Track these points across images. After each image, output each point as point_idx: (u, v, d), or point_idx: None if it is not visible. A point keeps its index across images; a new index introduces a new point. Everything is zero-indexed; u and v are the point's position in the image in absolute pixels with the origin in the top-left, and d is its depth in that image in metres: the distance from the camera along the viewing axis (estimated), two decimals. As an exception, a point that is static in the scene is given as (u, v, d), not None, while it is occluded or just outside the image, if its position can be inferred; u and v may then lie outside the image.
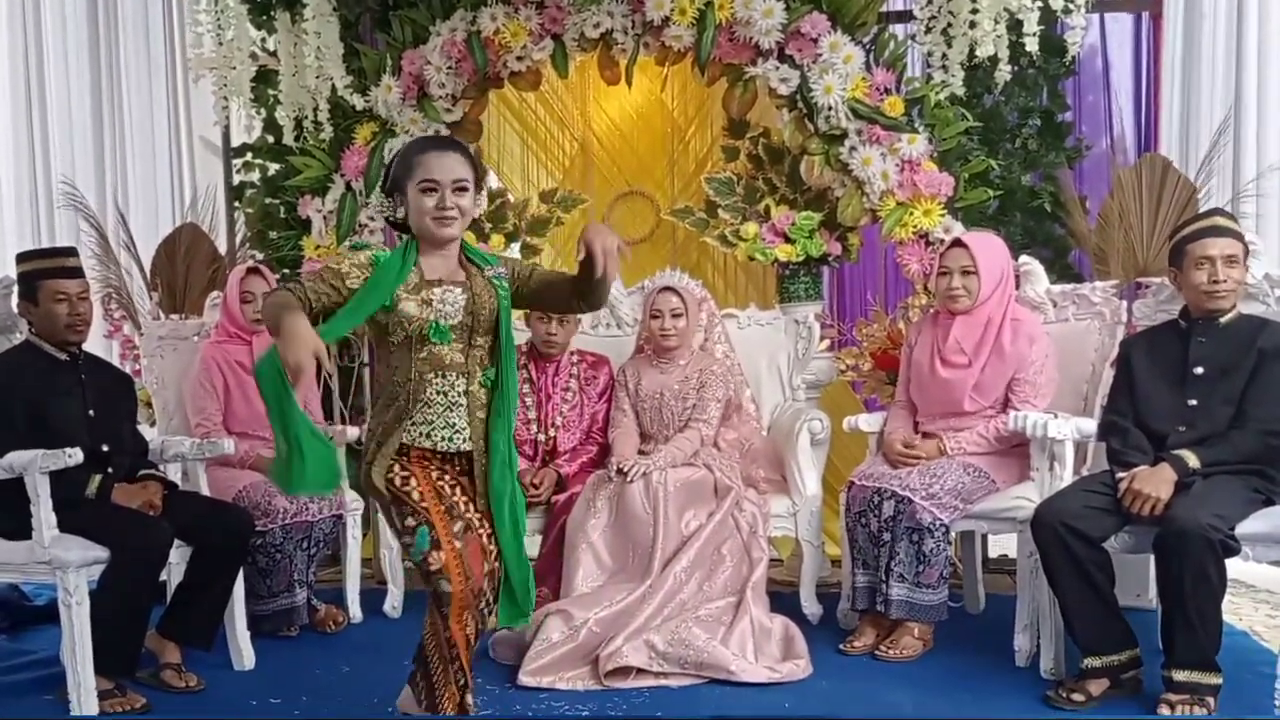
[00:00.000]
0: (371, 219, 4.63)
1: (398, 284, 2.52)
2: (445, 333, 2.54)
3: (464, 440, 2.58)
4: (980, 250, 3.57)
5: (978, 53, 4.13)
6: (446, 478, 2.58)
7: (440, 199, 2.53)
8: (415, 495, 2.54)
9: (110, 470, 3.30)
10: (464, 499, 2.58)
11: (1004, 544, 4.43)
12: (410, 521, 2.51)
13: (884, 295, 4.97)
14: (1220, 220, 3.17)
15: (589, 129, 5.42)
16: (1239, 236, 3.13)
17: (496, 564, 2.59)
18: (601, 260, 2.43)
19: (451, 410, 2.57)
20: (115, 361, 4.64)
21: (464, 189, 2.55)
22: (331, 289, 2.48)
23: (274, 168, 5.16)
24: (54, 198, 5.75)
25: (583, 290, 2.58)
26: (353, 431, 4.25)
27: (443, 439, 2.57)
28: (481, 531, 2.57)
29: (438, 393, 2.56)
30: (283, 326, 2.28)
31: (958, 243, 3.63)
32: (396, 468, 2.55)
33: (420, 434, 2.56)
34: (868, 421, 3.89)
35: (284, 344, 2.26)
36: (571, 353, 4.15)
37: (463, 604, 2.50)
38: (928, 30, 4.30)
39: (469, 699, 2.61)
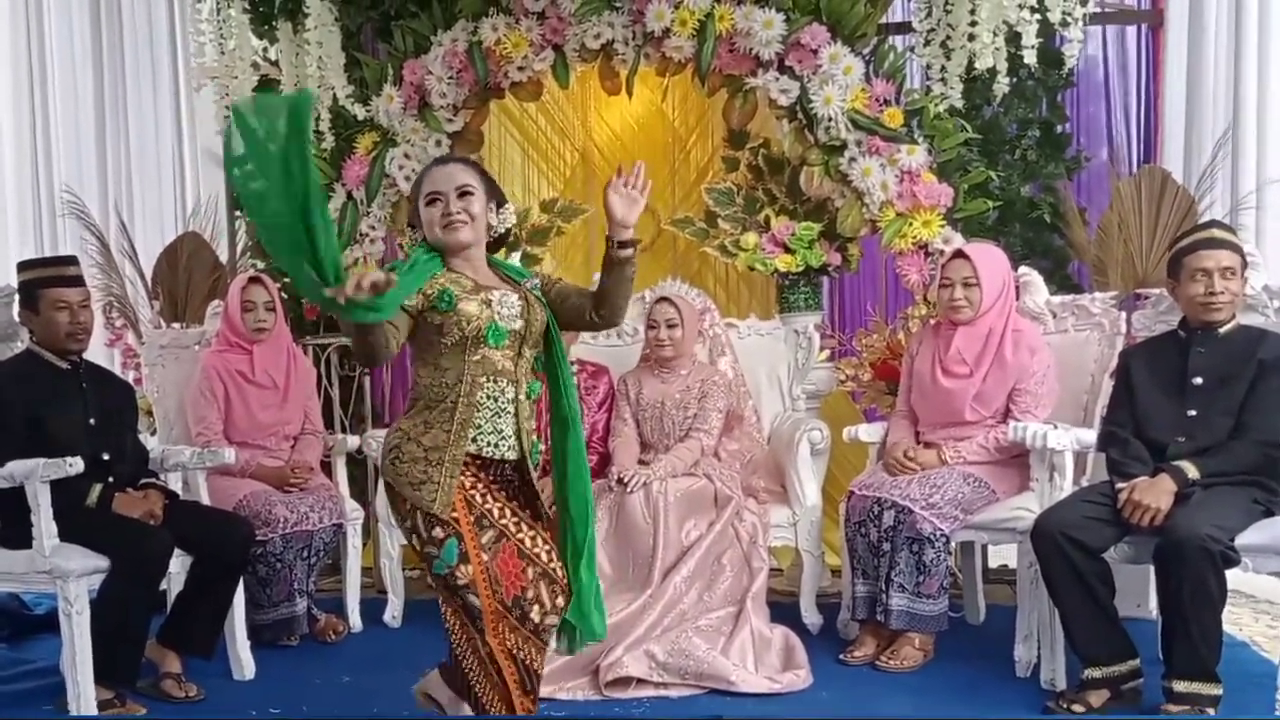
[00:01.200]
0: (373, 228, 4.65)
1: (428, 270, 2.50)
2: (503, 334, 2.52)
3: (509, 448, 2.56)
4: (982, 261, 3.58)
5: (977, 64, 4.15)
6: (480, 485, 2.53)
7: (445, 206, 2.53)
8: None
9: (111, 479, 3.30)
10: (498, 505, 2.53)
11: (1004, 554, 4.43)
12: (439, 532, 2.44)
13: (884, 306, 4.98)
14: (1218, 232, 3.17)
15: (590, 139, 5.43)
16: (1237, 248, 3.13)
17: (556, 565, 2.56)
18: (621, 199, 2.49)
19: (500, 416, 2.54)
20: (116, 370, 4.64)
21: (468, 193, 2.55)
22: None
23: (276, 177, 5.16)
24: (57, 206, 5.78)
25: (599, 303, 2.59)
26: (353, 440, 4.26)
27: (488, 444, 2.53)
28: (524, 535, 2.52)
29: (488, 397, 2.53)
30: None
31: (959, 254, 3.64)
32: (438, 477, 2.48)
33: (466, 437, 2.50)
34: (868, 432, 3.90)
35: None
36: (572, 362, 4.15)
37: (496, 616, 2.44)
38: (927, 42, 4.32)
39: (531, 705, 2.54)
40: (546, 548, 2.56)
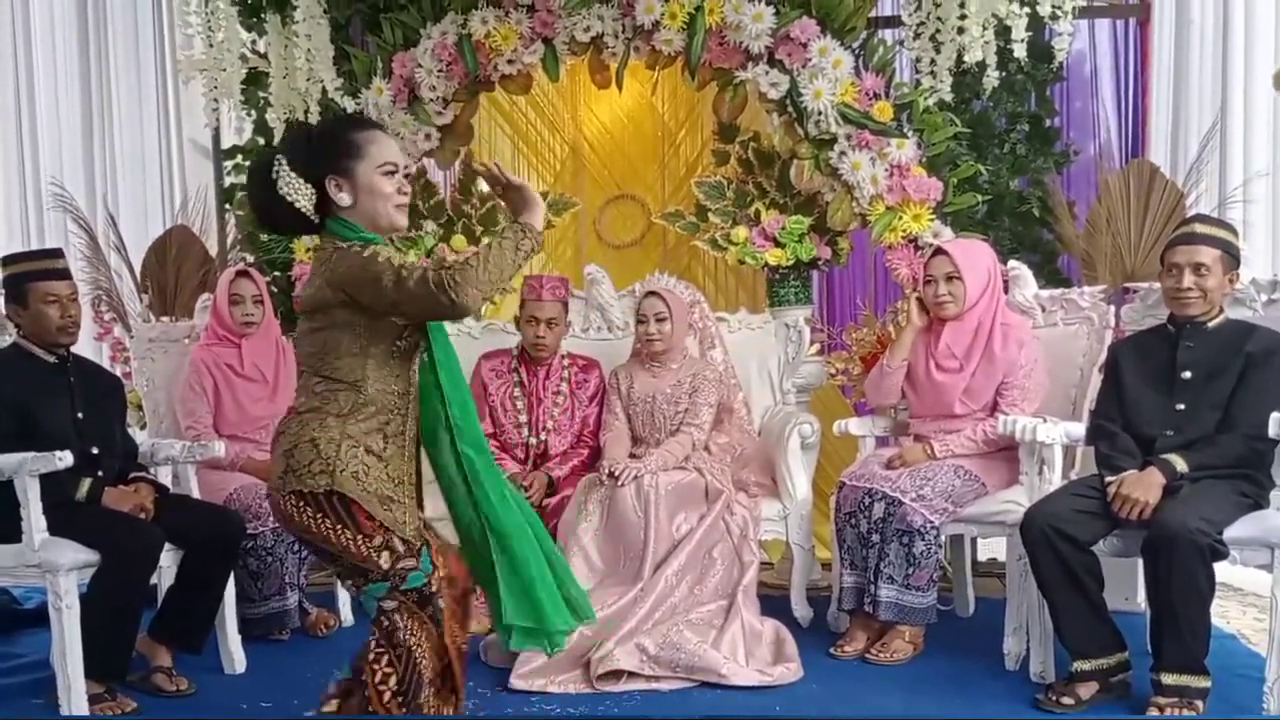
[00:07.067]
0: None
1: None
2: None
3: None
4: (962, 255, 3.59)
5: (966, 58, 4.15)
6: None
7: (401, 184, 2.31)
8: None
9: (100, 473, 3.29)
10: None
11: (993, 548, 4.46)
12: (415, 543, 2.30)
13: (873, 299, 5.00)
14: (1199, 227, 3.15)
15: (580, 132, 5.42)
16: (1220, 243, 3.08)
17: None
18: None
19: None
20: (105, 364, 4.62)
21: (409, 176, 2.38)
22: None
23: (264, 170, 5.14)
24: (43, 199, 5.75)
25: None
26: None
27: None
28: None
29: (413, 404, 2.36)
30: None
31: (939, 251, 3.65)
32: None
33: (413, 457, 2.35)
34: (858, 425, 3.91)
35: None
36: (563, 356, 4.16)
37: (450, 615, 2.32)
38: (916, 36, 4.32)
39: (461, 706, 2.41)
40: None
